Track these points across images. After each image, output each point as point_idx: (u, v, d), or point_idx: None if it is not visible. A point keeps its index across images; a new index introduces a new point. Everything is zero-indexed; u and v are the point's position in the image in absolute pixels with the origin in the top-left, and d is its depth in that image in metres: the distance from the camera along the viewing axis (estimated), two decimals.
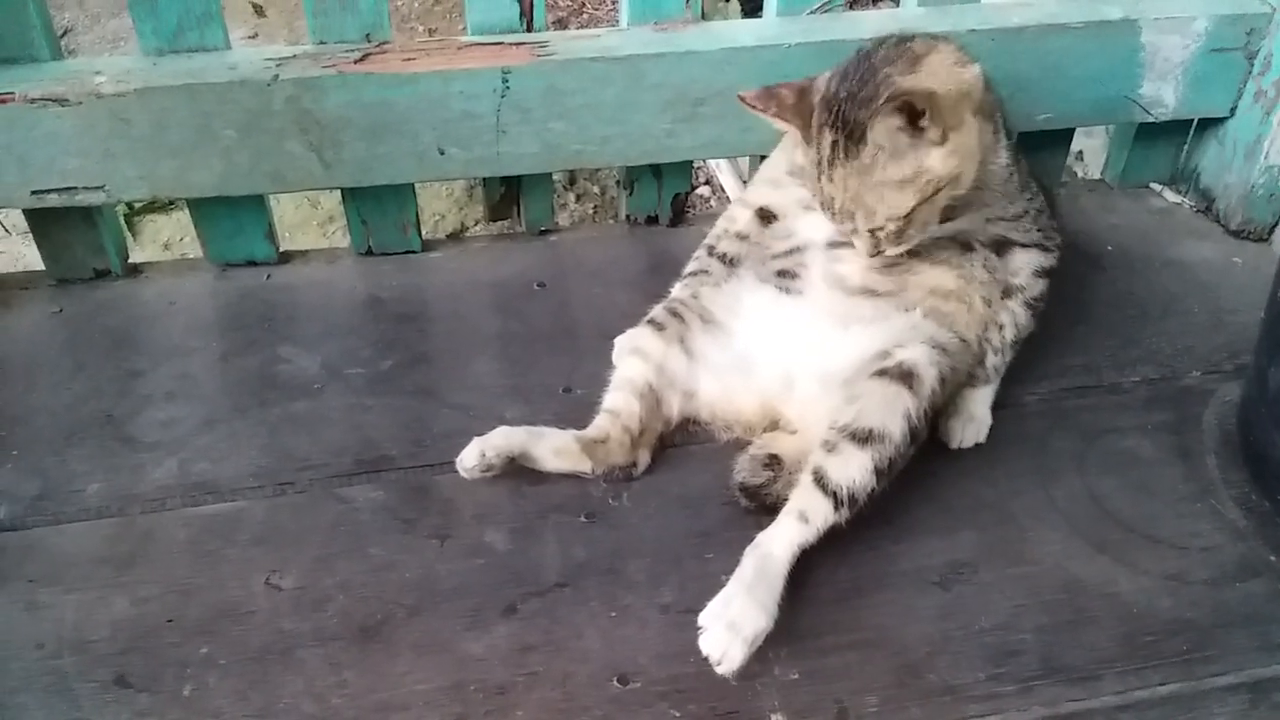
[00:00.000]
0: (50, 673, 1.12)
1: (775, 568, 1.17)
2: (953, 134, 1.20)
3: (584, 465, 1.33)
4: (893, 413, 1.22)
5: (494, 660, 1.14)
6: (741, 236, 1.48)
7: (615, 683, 1.12)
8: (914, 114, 1.17)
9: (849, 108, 1.21)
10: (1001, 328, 1.41)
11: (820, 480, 1.20)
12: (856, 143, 1.20)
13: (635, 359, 1.38)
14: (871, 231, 1.25)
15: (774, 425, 1.36)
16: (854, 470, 1.19)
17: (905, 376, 1.25)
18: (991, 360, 1.41)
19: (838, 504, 1.19)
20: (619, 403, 1.35)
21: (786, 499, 1.22)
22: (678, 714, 1.10)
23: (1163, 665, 1.15)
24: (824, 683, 1.13)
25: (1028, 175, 1.41)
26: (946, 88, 1.21)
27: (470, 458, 1.30)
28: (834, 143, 1.22)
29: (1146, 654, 1.16)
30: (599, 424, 1.35)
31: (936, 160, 1.20)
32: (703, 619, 1.13)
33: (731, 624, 1.11)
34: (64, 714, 1.09)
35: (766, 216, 1.47)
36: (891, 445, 1.21)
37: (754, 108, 1.29)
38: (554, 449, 1.32)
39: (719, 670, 1.10)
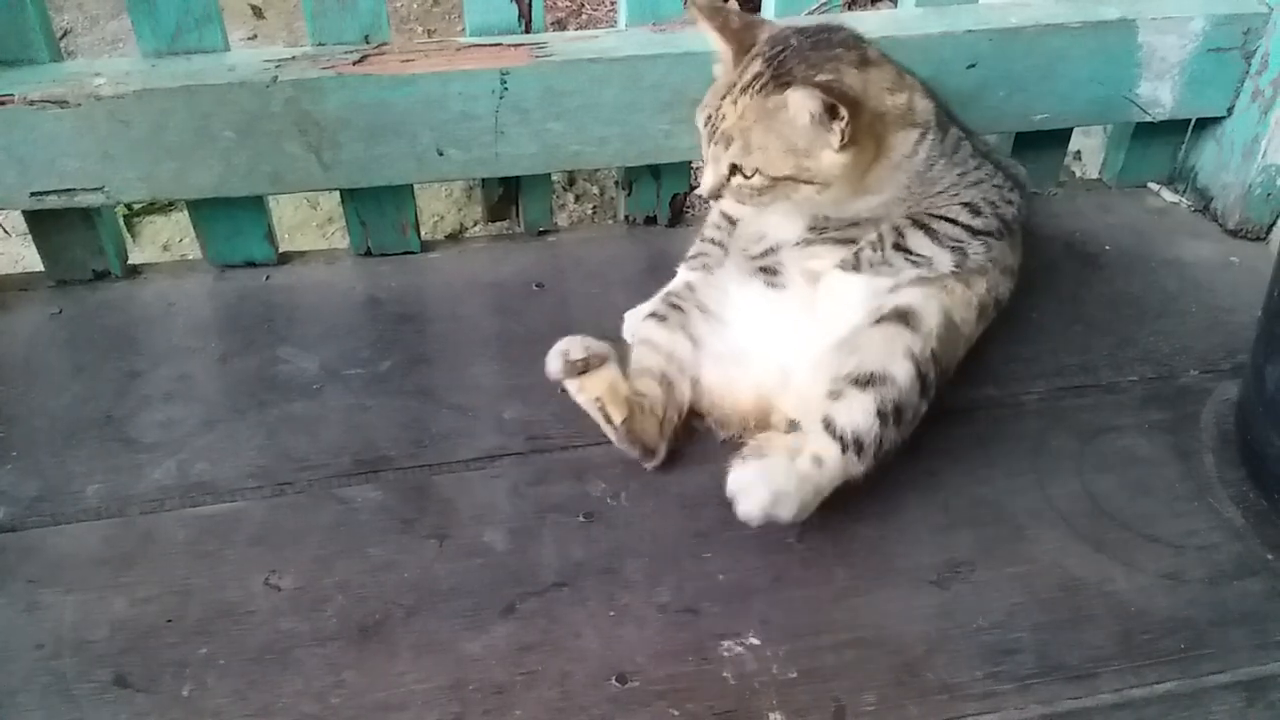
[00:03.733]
0: (49, 673, 1.12)
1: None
2: (852, 149, 1.21)
3: (618, 413, 1.32)
4: (892, 352, 1.23)
5: (492, 660, 1.14)
6: (730, 220, 1.49)
7: (614, 682, 1.13)
8: (833, 112, 1.17)
9: (791, 56, 1.22)
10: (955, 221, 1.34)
11: (828, 425, 1.21)
12: (778, 88, 1.20)
13: (646, 349, 1.39)
14: (732, 168, 1.24)
15: (767, 423, 1.35)
16: (858, 414, 1.20)
17: (902, 316, 1.25)
18: (975, 247, 1.35)
19: (844, 447, 1.20)
20: (643, 388, 1.36)
21: None
22: (676, 713, 1.10)
23: (1160, 664, 1.16)
24: (821, 681, 1.13)
25: (969, 154, 1.37)
26: (870, 105, 1.23)
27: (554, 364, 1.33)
28: (758, 74, 1.22)
29: (1144, 652, 1.17)
30: (638, 387, 1.35)
31: (824, 161, 1.22)
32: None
33: (765, 472, 1.18)
34: (63, 714, 1.09)
35: (730, 219, 1.48)
36: (895, 387, 1.22)
37: (700, 17, 1.28)
38: (618, 376, 1.34)
39: (740, 510, 1.15)
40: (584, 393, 1.33)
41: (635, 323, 1.46)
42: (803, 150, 1.21)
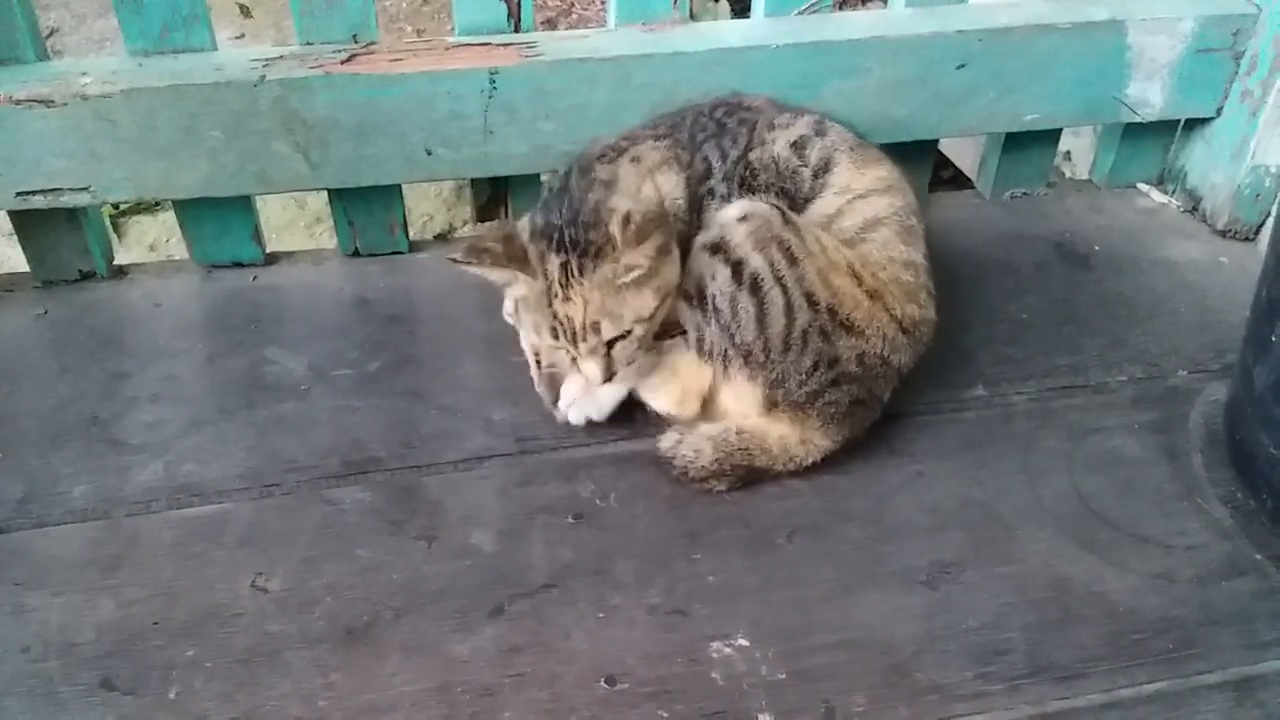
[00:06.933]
0: (36, 676, 1.11)
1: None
2: (673, 248, 1.29)
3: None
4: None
5: (481, 662, 1.14)
6: None
7: (603, 684, 1.12)
8: (662, 232, 1.23)
9: (573, 230, 1.24)
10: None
11: None
12: (594, 259, 1.23)
13: None
14: (610, 344, 1.27)
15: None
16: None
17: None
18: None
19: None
20: None
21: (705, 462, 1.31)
22: (665, 714, 1.09)
23: (1149, 664, 1.16)
24: (812, 682, 1.13)
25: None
26: (660, 203, 1.30)
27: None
28: (564, 265, 1.24)
29: (1133, 652, 1.17)
30: None
31: (666, 268, 1.28)
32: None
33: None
34: (49, 717, 1.08)
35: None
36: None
37: (466, 264, 1.28)
38: None
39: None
40: (527, 341, 1.40)
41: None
42: (651, 274, 1.26)
